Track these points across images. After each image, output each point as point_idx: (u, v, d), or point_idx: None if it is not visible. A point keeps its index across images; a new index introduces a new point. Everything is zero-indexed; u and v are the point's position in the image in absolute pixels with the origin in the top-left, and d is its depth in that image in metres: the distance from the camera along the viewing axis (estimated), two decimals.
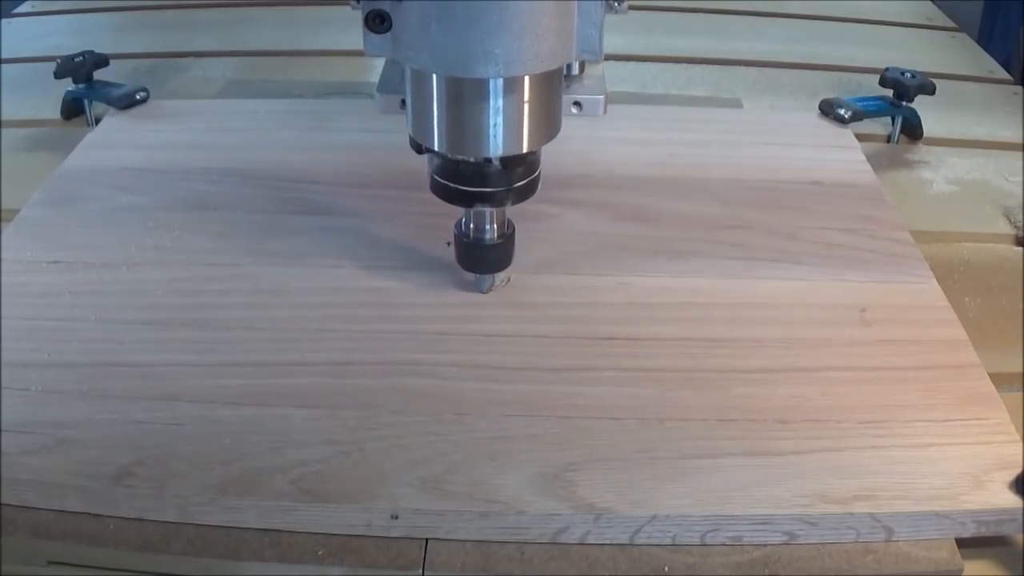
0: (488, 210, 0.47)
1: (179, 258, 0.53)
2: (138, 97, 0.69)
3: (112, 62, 0.73)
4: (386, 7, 0.39)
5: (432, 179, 0.47)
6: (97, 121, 0.69)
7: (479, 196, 0.45)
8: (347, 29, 0.88)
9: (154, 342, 0.47)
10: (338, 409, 0.43)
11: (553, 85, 0.44)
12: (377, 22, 0.40)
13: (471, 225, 0.49)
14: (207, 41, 0.86)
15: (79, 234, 0.55)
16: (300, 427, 0.42)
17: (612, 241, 0.56)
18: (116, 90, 0.69)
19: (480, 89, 0.42)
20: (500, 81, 0.41)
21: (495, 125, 0.42)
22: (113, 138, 0.65)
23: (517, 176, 0.45)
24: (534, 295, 0.51)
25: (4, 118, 0.72)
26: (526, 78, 0.42)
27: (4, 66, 0.81)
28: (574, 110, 0.47)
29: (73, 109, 0.71)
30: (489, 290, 0.51)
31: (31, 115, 0.73)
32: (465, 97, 0.42)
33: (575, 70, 0.49)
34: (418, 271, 0.53)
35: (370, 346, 0.47)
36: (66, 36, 0.87)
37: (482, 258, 0.50)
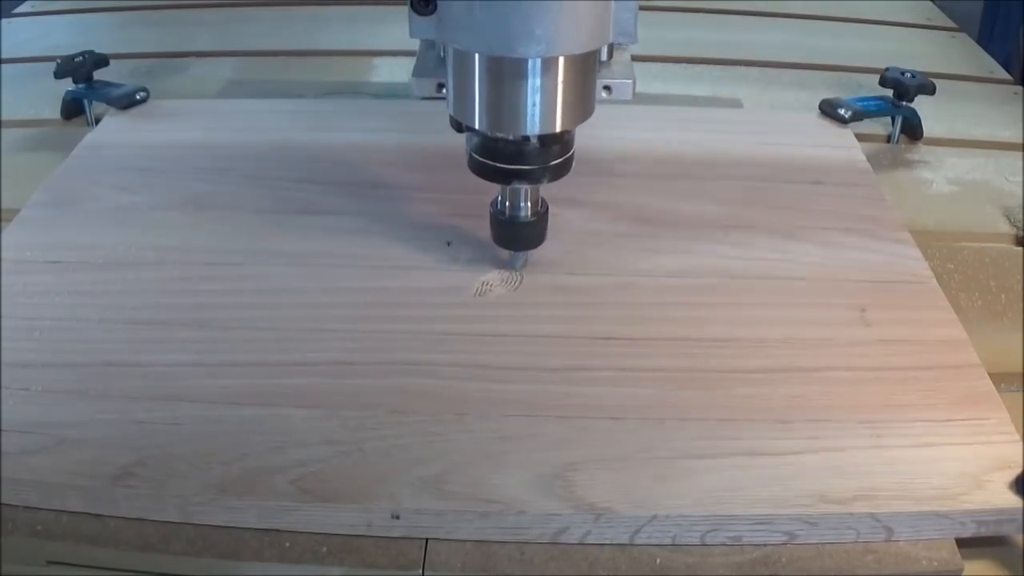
0: (524, 188, 0.49)
1: (179, 258, 0.53)
2: (138, 97, 0.69)
3: (112, 62, 0.73)
4: None
5: (471, 157, 0.48)
6: (97, 121, 0.69)
7: (516, 173, 0.47)
8: (347, 29, 0.88)
9: (154, 342, 0.47)
10: (338, 409, 0.43)
11: (589, 66, 0.45)
12: (422, 4, 0.41)
13: (507, 203, 0.50)
14: (207, 41, 0.86)
15: (79, 234, 0.55)
16: (300, 427, 0.42)
17: (612, 240, 0.56)
18: (116, 90, 0.69)
19: (520, 68, 0.43)
20: (539, 61, 0.43)
21: (533, 104, 0.44)
22: (113, 138, 0.65)
23: (553, 154, 0.46)
24: (534, 295, 0.51)
25: (4, 118, 0.72)
26: (563, 58, 0.43)
27: (4, 66, 0.81)
28: (604, 94, 0.48)
29: (73, 109, 0.71)
30: (523, 267, 0.52)
31: (31, 115, 0.73)
32: (505, 76, 0.43)
33: (603, 56, 0.49)
34: (418, 271, 0.53)
35: (370, 346, 0.47)
36: (66, 36, 0.87)
37: (517, 235, 0.51)
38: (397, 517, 0.39)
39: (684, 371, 0.46)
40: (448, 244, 0.55)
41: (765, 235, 0.56)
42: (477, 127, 0.45)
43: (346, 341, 0.48)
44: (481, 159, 0.47)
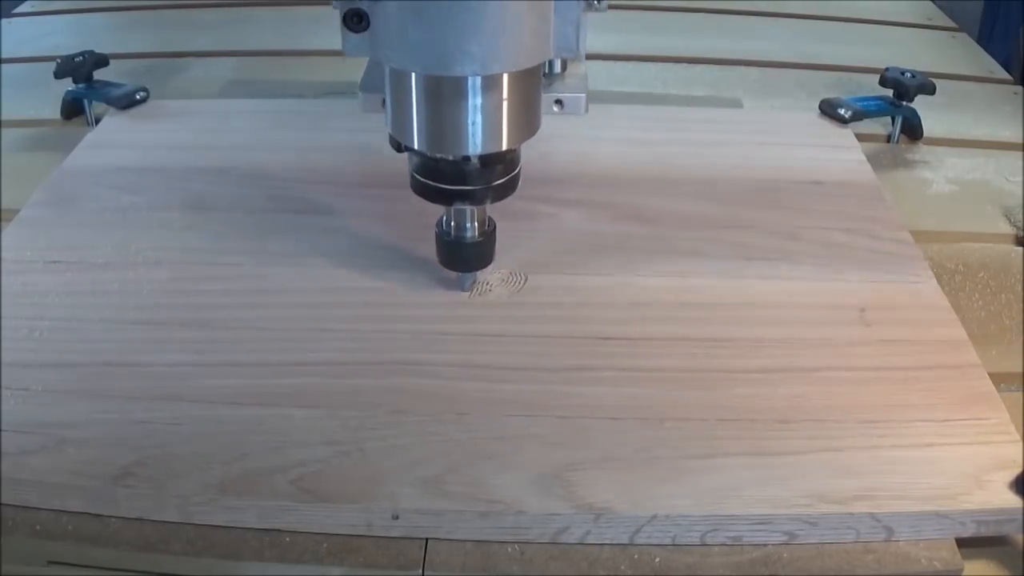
0: (468, 208, 0.47)
1: (179, 258, 0.53)
2: (138, 97, 0.69)
3: (112, 62, 0.73)
4: (364, 6, 0.40)
5: (412, 177, 0.47)
6: (97, 121, 0.69)
7: (459, 194, 0.46)
8: None
9: (154, 342, 0.47)
10: (338, 409, 0.43)
11: (531, 83, 0.44)
12: (355, 21, 0.40)
13: (452, 223, 0.49)
14: (207, 41, 0.86)
15: (79, 234, 0.55)
16: (300, 427, 0.42)
17: (612, 241, 0.56)
18: (116, 90, 0.69)
19: (458, 87, 0.42)
20: (478, 79, 0.41)
21: (473, 123, 0.42)
22: (113, 138, 0.65)
23: (496, 174, 0.45)
24: (534, 295, 0.51)
25: (4, 118, 0.72)
26: (504, 76, 0.42)
27: (4, 66, 0.81)
28: (556, 108, 0.47)
29: (73, 109, 0.71)
30: (471, 288, 0.51)
31: (31, 115, 0.73)
32: (443, 95, 0.42)
33: (557, 68, 0.49)
34: (418, 271, 0.53)
35: (370, 346, 0.47)
36: (66, 36, 0.87)
37: (463, 256, 0.50)
38: (397, 517, 0.39)
39: (684, 371, 0.46)
40: None
41: (765, 235, 0.56)
42: (416, 147, 0.44)
43: (346, 341, 0.48)
44: (422, 179, 0.46)
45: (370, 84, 0.47)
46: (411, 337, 0.48)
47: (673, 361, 0.47)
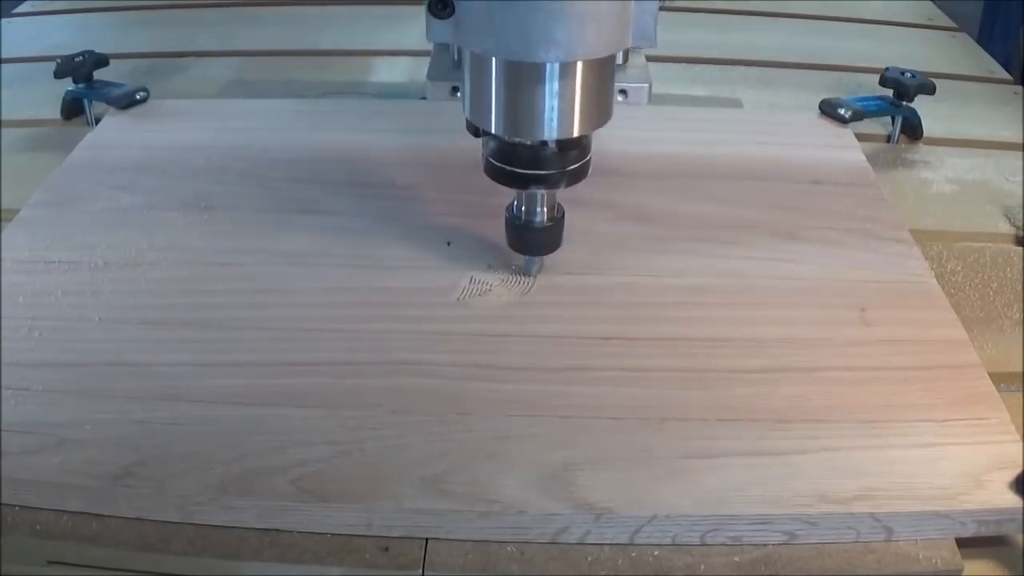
0: (540, 193, 0.48)
1: (179, 258, 0.53)
2: (138, 97, 0.69)
3: (112, 62, 0.73)
4: None
5: (487, 162, 0.47)
6: (97, 121, 0.69)
7: (534, 178, 0.46)
8: (347, 29, 0.88)
9: (154, 342, 0.47)
10: (338, 409, 0.43)
11: (607, 71, 0.45)
12: (440, 7, 0.40)
13: (523, 208, 0.50)
14: (207, 41, 0.86)
15: (79, 234, 0.55)
16: (300, 427, 0.42)
17: (612, 241, 0.56)
18: (116, 90, 0.69)
19: (539, 73, 0.43)
20: (559, 66, 0.42)
21: (552, 109, 0.43)
22: (113, 138, 0.65)
23: (571, 159, 0.46)
24: (534, 295, 0.51)
25: (4, 118, 0.72)
26: (581, 63, 0.43)
27: (4, 66, 0.81)
28: (620, 98, 0.47)
29: (73, 109, 0.71)
30: (538, 272, 0.52)
31: (31, 115, 0.73)
32: (524, 81, 0.43)
33: (619, 59, 0.49)
34: (418, 271, 0.53)
35: (370, 346, 0.47)
36: (66, 36, 0.87)
37: (533, 241, 0.51)
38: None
39: (684, 371, 0.46)
40: (448, 244, 0.55)
41: (765, 235, 0.56)
42: (494, 131, 0.45)
43: (346, 341, 0.48)
44: (498, 164, 0.47)
45: (437, 73, 0.47)
46: (411, 337, 0.48)
47: (673, 361, 0.47)
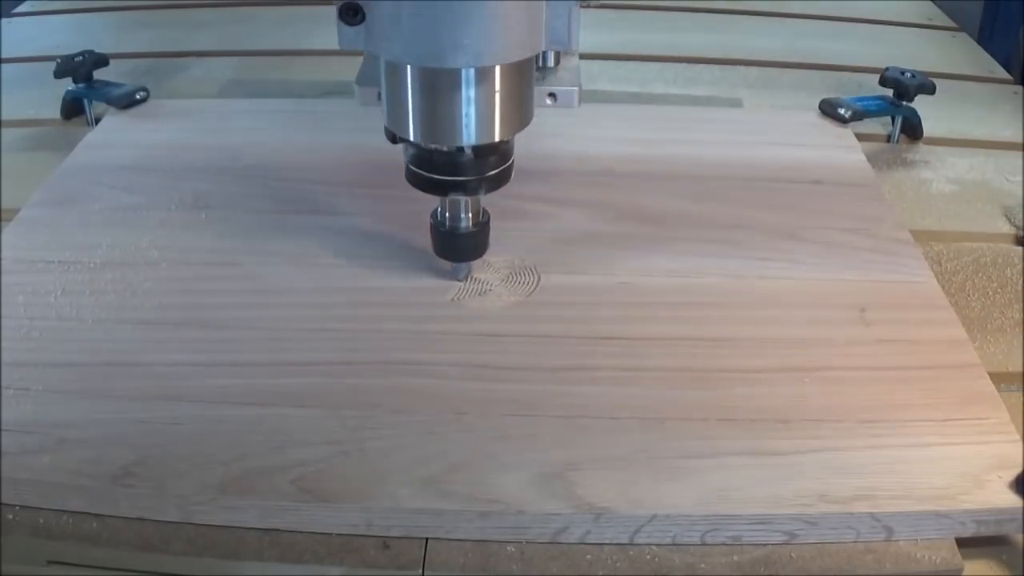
0: (463, 199, 0.48)
1: (179, 258, 0.53)
2: (138, 97, 0.69)
3: (112, 62, 0.73)
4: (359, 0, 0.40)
5: (407, 168, 0.47)
6: (97, 121, 0.69)
7: (453, 185, 0.46)
8: None
9: (154, 342, 0.47)
10: (338, 409, 0.43)
11: (524, 75, 0.44)
12: (350, 14, 0.40)
13: (446, 214, 0.49)
14: (207, 41, 0.86)
15: (79, 234, 0.55)
16: (300, 427, 0.42)
17: (612, 241, 0.56)
18: (116, 90, 0.69)
19: (452, 79, 0.42)
20: (471, 71, 0.42)
21: (467, 114, 0.43)
22: (113, 138, 0.65)
23: (490, 165, 0.46)
24: (534, 295, 0.51)
25: (4, 118, 0.72)
26: (496, 68, 0.42)
27: (4, 66, 0.81)
28: (548, 101, 0.47)
29: (73, 109, 0.71)
30: (466, 278, 0.51)
31: (31, 115, 0.72)
32: (437, 87, 0.43)
33: (551, 62, 0.49)
34: (418, 271, 0.53)
35: (370, 346, 0.47)
36: (66, 36, 0.86)
37: (457, 247, 0.50)
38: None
39: (684, 371, 0.46)
40: None
41: (765, 235, 0.56)
42: (411, 138, 0.45)
43: (346, 341, 0.48)
44: (416, 170, 0.46)
45: (366, 78, 0.47)
46: (411, 337, 0.48)
47: (673, 361, 0.47)
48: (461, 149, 0.45)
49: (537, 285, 0.52)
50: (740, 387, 0.45)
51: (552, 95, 0.47)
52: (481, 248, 0.51)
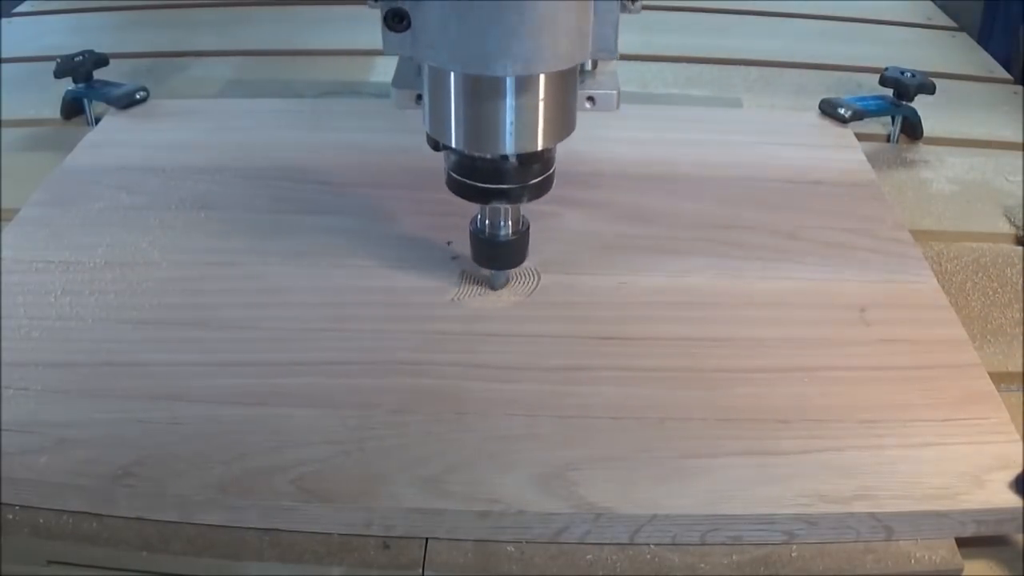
0: (503, 206, 0.48)
1: (179, 258, 0.53)
2: (138, 96, 0.69)
3: (112, 61, 0.73)
4: (406, 6, 0.40)
5: (449, 176, 0.47)
6: (97, 120, 0.69)
7: (495, 193, 0.46)
8: (347, 28, 0.88)
9: (154, 342, 0.47)
10: (338, 409, 0.43)
11: (569, 83, 0.44)
12: (396, 20, 0.40)
13: (487, 221, 0.49)
14: (207, 40, 0.86)
15: (79, 234, 0.55)
16: (300, 427, 0.42)
17: (612, 241, 0.56)
18: (116, 89, 0.69)
19: (497, 87, 0.42)
20: (517, 79, 0.42)
21: (511, 122, 0.43)
22: (113, 137, 0.65)
23: (533, 173, 0.46)
24: (534, 295, 0.51)
25: (4, 118, 0.72)
26: (542, 76, 0.42)
27: (4, 66, 0.81)
28: (587, 105, 0.47)
29: (73, 108, 0.71)
30: (503, 286, 0.51)
31: (31, 115, 0.72)
32: (482, 94, 0.43)
33: (588, 66, 0.49)
34: (418, 271, 0.53)
35: (370, 346, 0.47)
36: (66, 36, 0.86)
37: (497, 254, 0.50)
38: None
39: (684, 371, 0.46)
40: (449, 243, 0.55)
41: (765, 235, 0.56)
42: (454, 145, 0.45)
43: (346, 341, 0.48)
44: (459, 178, 0.46)
45: (402, 81, 0.47)
46: (411, 337, 0.48)
47: (673, 361, 0.47)
48: (505, 157, 0.45)
49: (537, 285, 0.52)
50: (740, 387, 0.45)
51: (591, 99, 0.47)
52: (520, 256, 0.51)
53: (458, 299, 0.51)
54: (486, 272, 0.51)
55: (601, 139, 0.65)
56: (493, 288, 0.51)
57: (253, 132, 0.66)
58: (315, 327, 0.49)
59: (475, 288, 0.52)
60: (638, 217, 0.58)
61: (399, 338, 0.48)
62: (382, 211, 0.58)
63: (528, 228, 0.50)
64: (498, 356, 0.47)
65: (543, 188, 0.47)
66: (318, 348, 0.47)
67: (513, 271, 0.52)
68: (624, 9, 0.42)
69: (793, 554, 0.39)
